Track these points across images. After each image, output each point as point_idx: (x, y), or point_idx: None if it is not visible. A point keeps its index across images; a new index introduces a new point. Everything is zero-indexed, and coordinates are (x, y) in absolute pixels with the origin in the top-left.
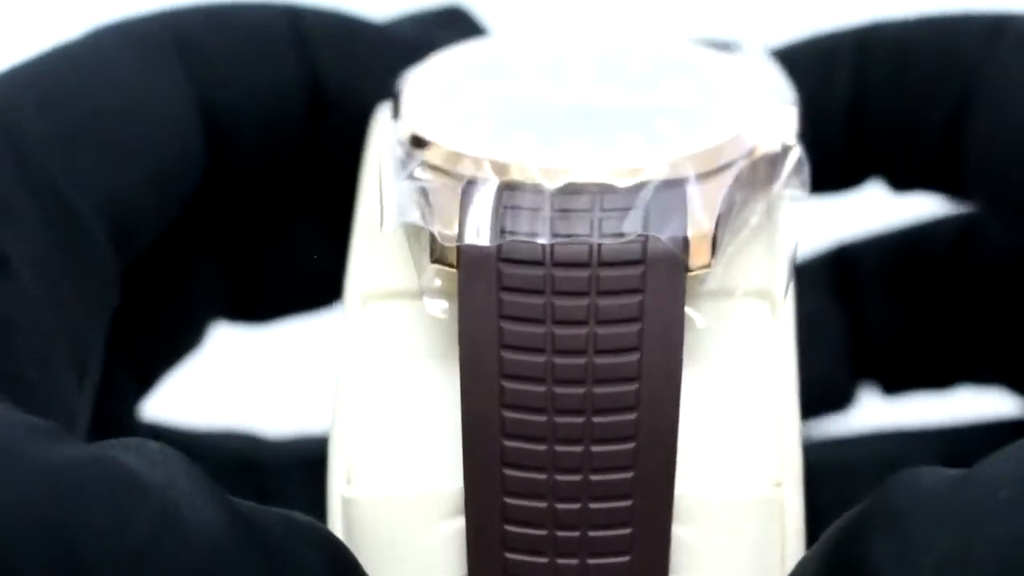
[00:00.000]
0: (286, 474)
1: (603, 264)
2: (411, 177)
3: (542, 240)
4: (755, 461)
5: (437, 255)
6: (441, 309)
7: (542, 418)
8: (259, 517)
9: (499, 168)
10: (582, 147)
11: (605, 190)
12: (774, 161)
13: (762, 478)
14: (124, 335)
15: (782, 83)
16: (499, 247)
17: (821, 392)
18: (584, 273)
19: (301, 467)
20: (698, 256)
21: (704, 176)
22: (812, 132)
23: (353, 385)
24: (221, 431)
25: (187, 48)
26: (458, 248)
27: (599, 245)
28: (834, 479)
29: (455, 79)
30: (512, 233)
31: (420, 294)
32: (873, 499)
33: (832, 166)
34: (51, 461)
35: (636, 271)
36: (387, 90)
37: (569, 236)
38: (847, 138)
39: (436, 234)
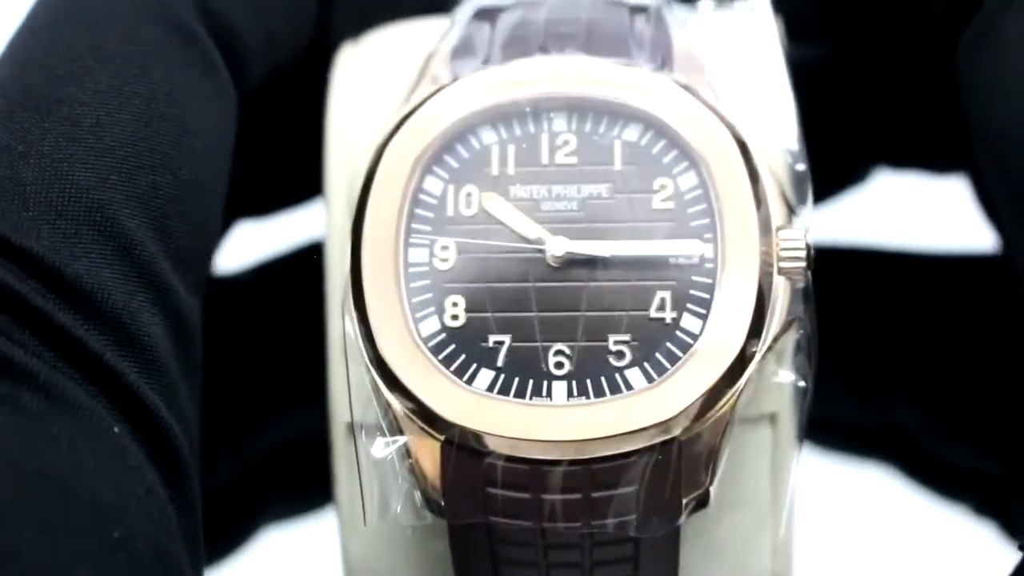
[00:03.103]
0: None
1: (596, 544)
2: (391, 439)
3: (532, 522)
4: None
5: (426, 504)
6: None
7: None
8: None
9: (480, 439)
10: (566, 410)
11: (594, 461)
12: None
13: None
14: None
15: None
16: (490, 527)
17: (838, 172)
18: (576, 552)
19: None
20: (695, 507)
21: (700, 425)
22: None
23: (352, 534)
24: None
25: None
26: (448, 525)
27: (591, 533)
28: None
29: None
30: (502, 514)
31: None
32: None
33: None
34: None
35: (628, 546)
36: None
37: (560, 523)
38: None
39: (424, 498)
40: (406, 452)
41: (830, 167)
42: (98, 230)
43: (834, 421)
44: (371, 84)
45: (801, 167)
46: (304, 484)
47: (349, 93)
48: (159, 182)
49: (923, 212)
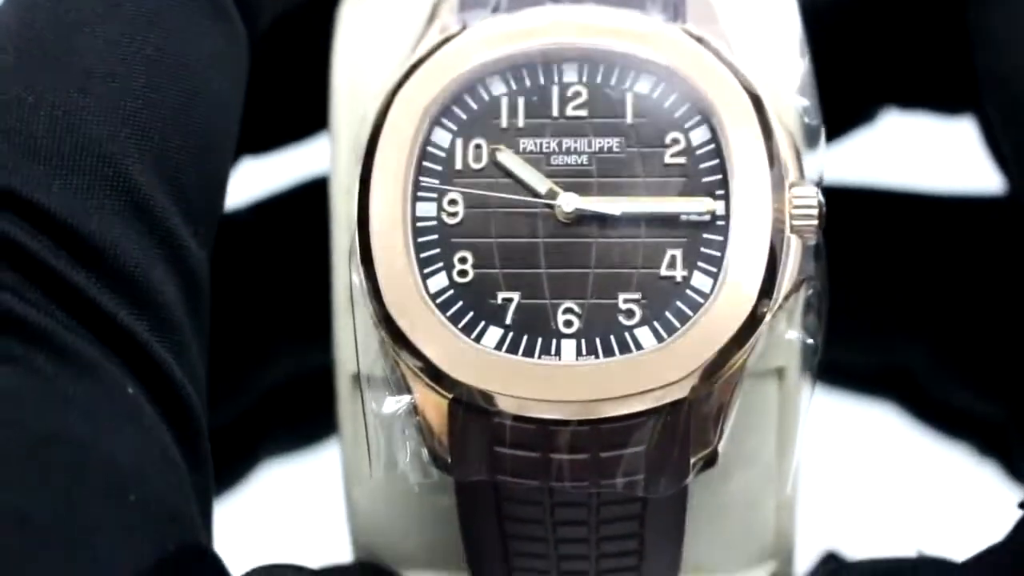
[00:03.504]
0: None
1: (603, 503)
2: (398, 398)
3: (540, 481)
4: (750, 551)
5: (433, 460)
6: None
7: None
8: None
9: (489, 398)
10: (575, 369)
11: (603, 422)
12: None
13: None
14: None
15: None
16: (497, 485)
17: (847, 112)
18: (583, 511)
19: None
20: (703, 467)
21: (709, 386)
22: None
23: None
24: None
25: None
26: (455, 482)
27: (598, 492)
28: None
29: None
30: (510, 472)
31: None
32: None
33: None
34: None
35: (635, 505)
36: None
37: (567, 483)
38: None
39: (431, 455)
40: (413, 409)
41: (838, 107)
42: (111, 185)
43: (838, 362)
44: (377, 29)
45: (814, 121)
46: (306, 420)
47: (355, 39)
48: (171, 135)
49: (932, 152)
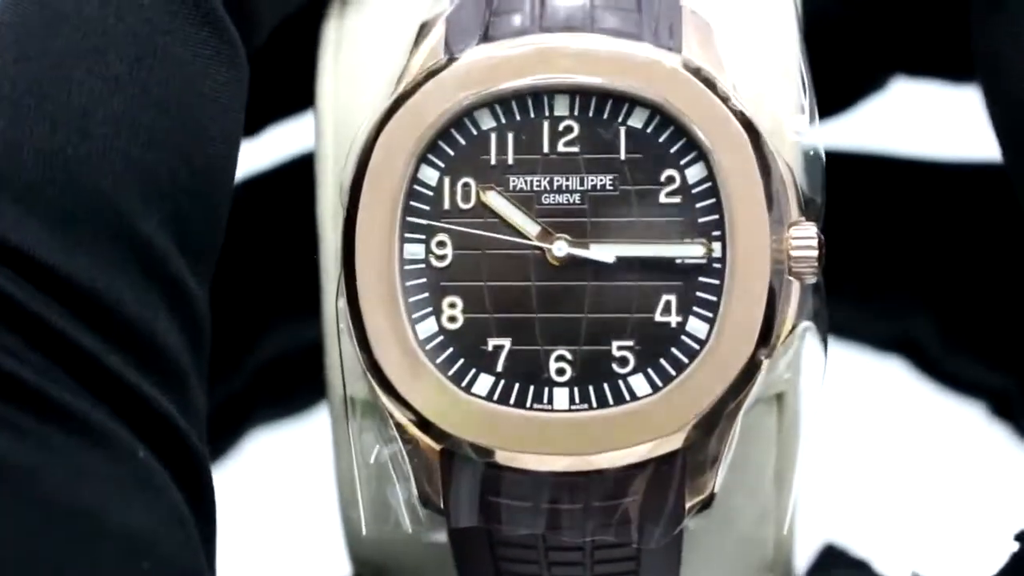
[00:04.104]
0: None
1: (598, 547)
2: (389, 448)
3: (533, 529)
4: (748, 572)
5: (425, 504)
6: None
7: None
8: None
9: (480, 450)
10: (568, 418)
11: (597, 473)
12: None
13: None
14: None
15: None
16: (490, 532)
17: (855, 80)
18: (578, 554)
19: None
20: (700, 509)
21: (703, 432)
22: None
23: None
24: None
25: None
26: (448, 527)
27: (592, 539)
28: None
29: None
30: (503, 521)
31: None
32: None
33: None
34: None
35: (631, 546)
36: None
37: (561, 531)
38: None
39: (423, 500)
40: (404, 454)
41: (849, 75)
42: (114, 236)
43: (845, 330)
44: (361, 49)
45: (810, 142)
46: (294, 392)
47: (338, 59)
48: (176, 176)
49: (940, 120)
